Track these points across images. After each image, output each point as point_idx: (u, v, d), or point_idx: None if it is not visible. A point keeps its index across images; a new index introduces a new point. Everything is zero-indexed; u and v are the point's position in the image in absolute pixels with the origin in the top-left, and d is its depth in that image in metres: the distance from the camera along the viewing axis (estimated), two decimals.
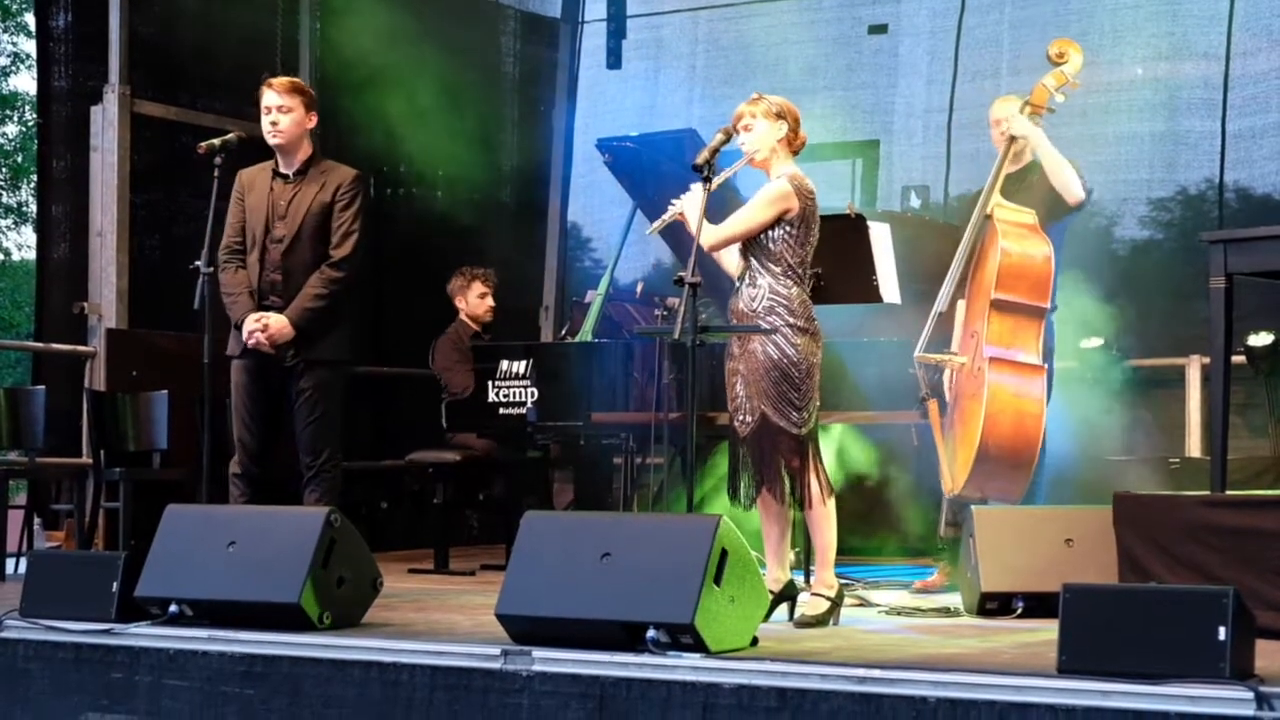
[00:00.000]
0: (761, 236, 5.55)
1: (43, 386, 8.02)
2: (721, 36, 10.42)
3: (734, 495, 5.64)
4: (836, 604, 5.58)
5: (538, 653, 4.52)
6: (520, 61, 10.66)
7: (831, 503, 5.60)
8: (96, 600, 5.31)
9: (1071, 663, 4.02)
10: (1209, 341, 5.59)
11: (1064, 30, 8.77)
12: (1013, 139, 6.61)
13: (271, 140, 6.32)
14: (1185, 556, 5.08)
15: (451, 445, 7.95)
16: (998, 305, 6.32)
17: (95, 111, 8.35)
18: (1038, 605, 5.50)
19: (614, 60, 10.58)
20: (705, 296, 6.03)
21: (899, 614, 5.85)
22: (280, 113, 6.28)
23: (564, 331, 8.33)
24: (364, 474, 8.98)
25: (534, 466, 8.54)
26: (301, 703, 4.80)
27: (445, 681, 4.60)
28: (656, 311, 7.43)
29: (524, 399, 7.22)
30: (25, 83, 23.96)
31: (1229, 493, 5.34)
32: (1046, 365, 6.37)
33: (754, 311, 5.54)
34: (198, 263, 6.04)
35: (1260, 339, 7.84)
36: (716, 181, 5.46)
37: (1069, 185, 6.52)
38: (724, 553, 4.58)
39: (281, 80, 6.38)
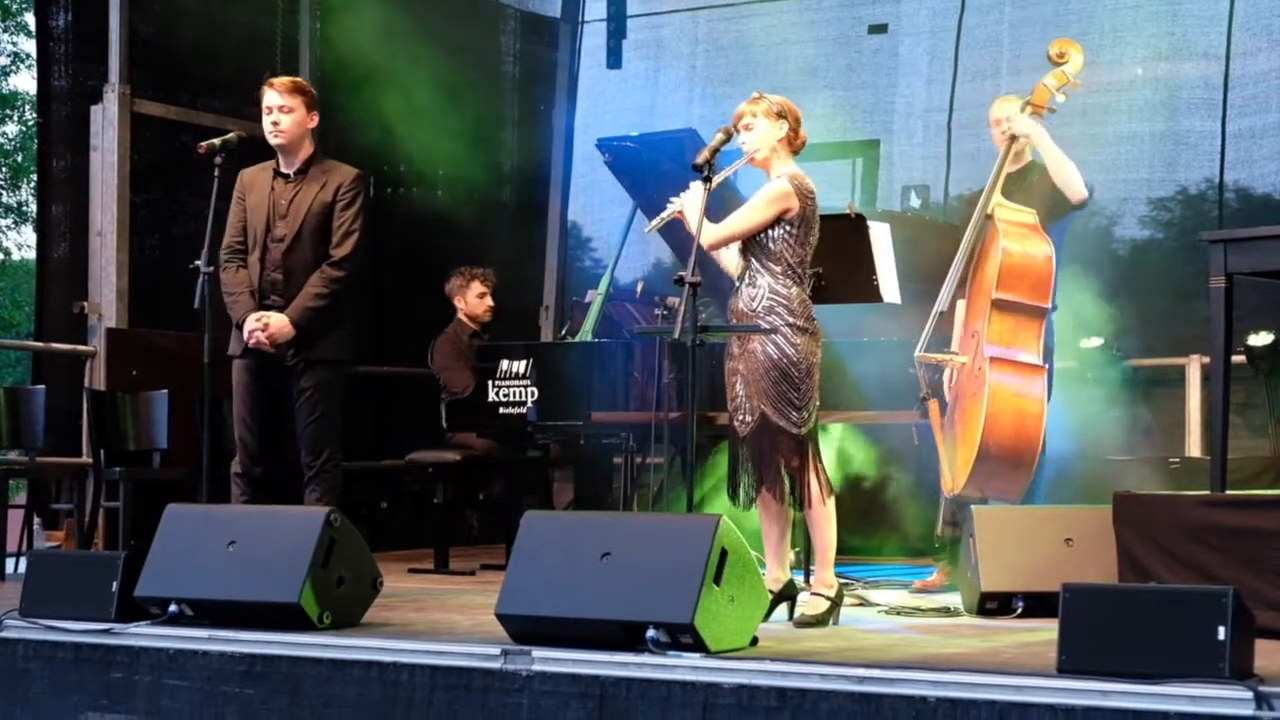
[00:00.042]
0: (761, 236, 5.56)
1: (43, 386, 8.02)
2: (721, 36, 10.42)
3: (734, 495, 5.64)
4: (836, 604, 5.59)
5: (538, 652, 4.51)
6: (520, 61, 10.66)
7: (831, 502, 5.60)
8: (96, 600, 5.31)
9: (1071, 662, 4.02)
10: (1209, 341, 5.59)
11: (1064, 30, 8.77)
12: (1013, 138, 6.61)
13: (273, 140, 6.32)
14: (1185, 556, 5.08)
15: (451, 445, 7.95)
16: (999, 305, 6.32)
17: (95, 111, 8.35)
18: (1038, 605, 5.51)
19: (614, 60, 10.58)
20: (705, 296, 6.03)
21: (899, 614, 5.85)
22: (282, 113, 6.28)
23: (564, 331, 8.33)
24: (364, 474, 8.98)
25: (534, 466, 8.54)
26: (301, 702, 4.80)
27: (445, 681, 4.60)
28: (656, 311, 7.43)
29: (524, 398, 7.22)
30: (25, 82, 23.98)
31: (1229, 492, 5.34)
32: (1047, 365, 6.38)
33: (754, 311, 5.54)
34: (198, 262, 6.04)
35: (1260, 339, 7.84)
36: (717, 180, 5.46)
37: (1071, 183, 6.52)
38: (724, 552, 4.58)
39: (283, 80, 6.38)
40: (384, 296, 9.47)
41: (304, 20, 9.37)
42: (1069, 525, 5.78)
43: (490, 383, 7.31)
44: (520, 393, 7.23)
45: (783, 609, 5.58)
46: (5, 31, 24.31)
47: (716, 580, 4.53)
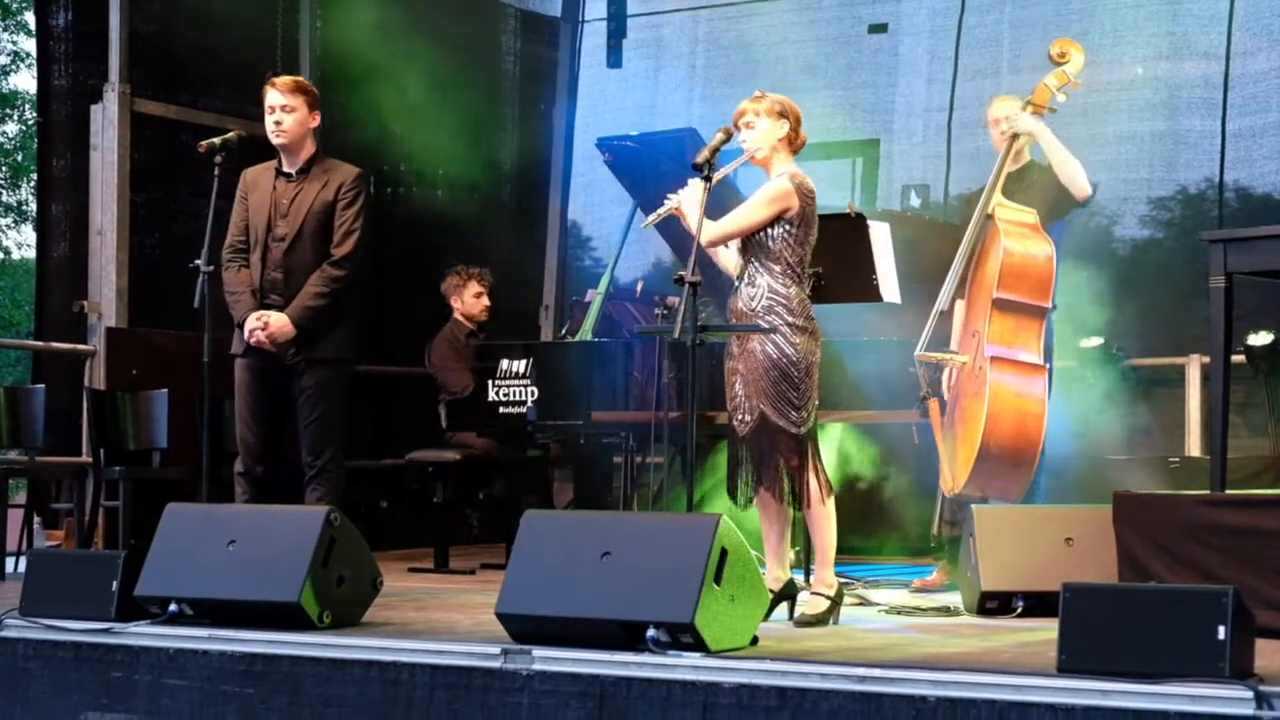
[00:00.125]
0: (761, 235, 5.56)
1: (42, 385, 8.02)
2: (722, 36, 10.42)
3: (733, 494, 5.64)
4: (836, 603, 5.59)
5: (538, 652, 4.51)
6: (520, 60, 10.65)
7: (831, 502, 5.60)
8: (96, 599, 5.31)
9: (1071, 662, 4.02)
10: (1209, 341, 5.59)
11: (1064, 30, 8.77)
12: (1014, 138, 6.61)
13: (275, 140, 6.32)
14: (1185, 556, 5.08)
15: (451, 444, 7.95)
16: (999, 305, 6.32)
17: (95, 110, 8.35)
18: (1038, 604, 5.51)
19: (614, 59, 10.58)
20: (705, 295, 6.03)
21: (899, 613, 5.85)
22: (284, 112, 6.29)
23: (564, 330, 8.34)
24: (364, 473, 8.98)
25: (534, 465, 8.54)
26: (301, 702, 4.80)
27: (445, 680, 4.60)
28: (656, 310, 7.42)
29: (524, 398, 7.22)
30: (25, 81, 23.99)
31: (1229, 492, 5.35)
32: (1047, 365, 6.37)
33: (753, 311, 5.54)
34: (198, 261, 6.04)
35: (1260, 338, 7.84)
36: (717, 177, 5.46)
37: (1075, 180, 6.52)
38: (724, 552, 4.58)
39: (285, 80, 6.38)
40: (384, 295, 9.46)
41: (304, 19, 9.37)
42: (1069, 525, 5.78)
43: (490, 382, 7.31)
44: (520, 392, 7.23)
45: (783, 608, 5.58)
46: (5, 30, 24.31)
47: (717, 580, 4.53)
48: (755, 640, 4.71)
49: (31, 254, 20.27)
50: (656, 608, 4.49)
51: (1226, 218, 8.83)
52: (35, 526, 8.21)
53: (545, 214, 10.65)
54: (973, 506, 5.98)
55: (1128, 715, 3.79)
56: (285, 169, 6.36)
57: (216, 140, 6.24)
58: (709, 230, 5.52)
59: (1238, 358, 7.58)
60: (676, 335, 5.19)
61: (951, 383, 6.57)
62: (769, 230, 5.55)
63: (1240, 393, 7.91)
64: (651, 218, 5.78)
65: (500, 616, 4.73)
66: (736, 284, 5.65)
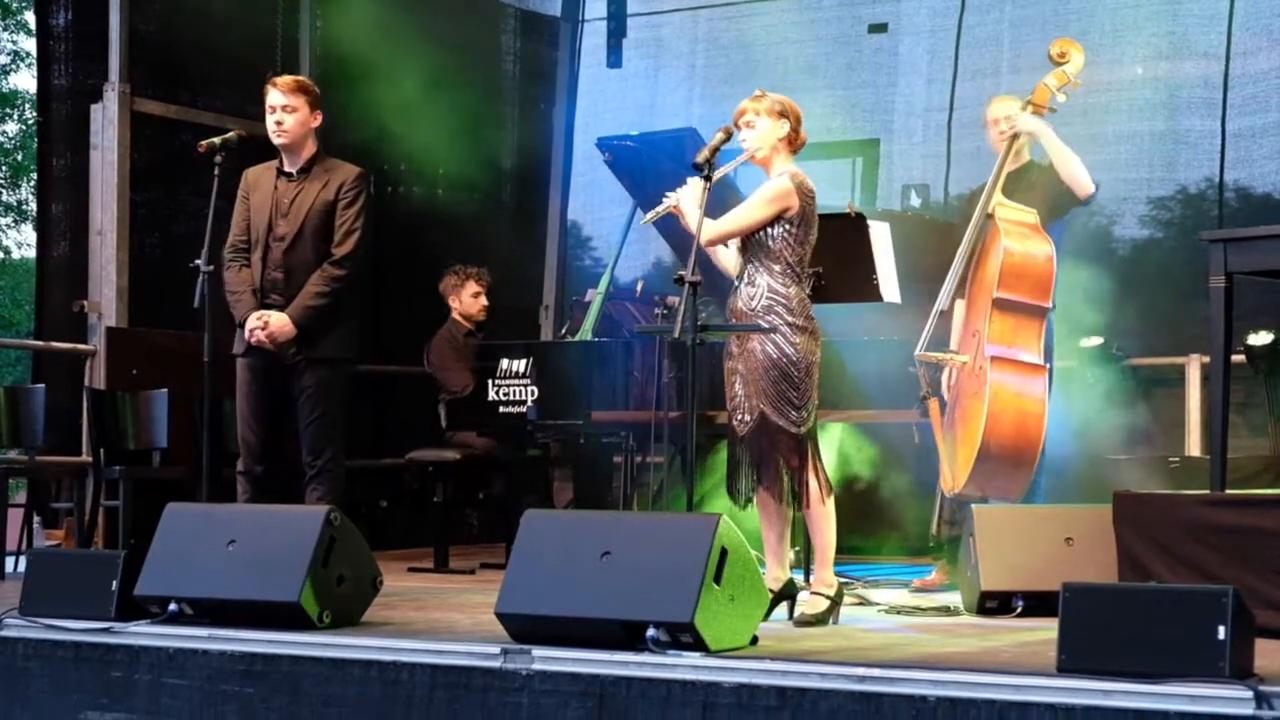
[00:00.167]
0: (761, 235, 5.55)
1: (42, 385, 8.02)
2: (721, 35, 10.42)
3: (732, 494, 5.64)
4: (836, 603, 5.59)
5: (537, 651, 4.51)
6: (520, 60, 10.65)
7: (830, 502, 5.60)
8: (96, 599, 5.31)
9: (1071, 662, 4.02)
10: (1209, 340, 5.59)
11: (1064, 29, 8.77)
12: (1014, 137, 6.61)
13: (276, 140, 6.32)
14: (1185, 555, 5.08)
15: (451, 444, 7.95)
16: (1000, 304, 6.32)
17: (95, 110, 8.35)
18: (1037, 604, 5.51)
19: (614, 59, 10.58)
20: (705, 295, 6.03)
21: (899, 613, 5.85)
22: (285, 112, 6.29)
23: (564, 330, 8.33)
24: (364, 472, 8.98)
25: (534, 465, 8.54)
26: (301, 701, 4.80)
27: (445, 680, 4.60)
28: (656, 310, 7.42)
29: (524, 397, 7.22)
30: (25, 81, 23.99)
31: (1229, 492, 5.35)
32: (1047, 365, 6.37)
33: (753, 310, 5.54)
34: (198, 261, 6.04)
35: (1260, 338, 7.84)
36: (717, 175, 5.45)
37: (1077, 177, 6.52)
38: (724, 552, 4.58)
39: (286, 79, 6.38)
40: (384, 295, 9.46)
41: (304, 19, 9.37)
42: (1069, 524, 5.78)
43: (490, 382, 7.31)
44: (520, 392, 7.23)
45: (783, 608, 5.58)
46: (5, 30, 24.32)
47: (717, 579, 4.53)
48: (755, 640, 4.70)
49: (31, 253, 20.27)
50: (656, 607, 4.49)
51: (1226, 217, 8.83)
52: (35, 526, 8.21)
53: (545, 214, 10.65)
54: (973, 506, 5.98)
55: (1128, 715, 3.79)
56: (286, 169, 6.36)
57: (216, 140, 6.24)
58: (709, 229, 5.52)
59: (1238, 357, 7.57)
60: (676, 335, 5.19)
61: (951, 382, 6.57)
62: (769, 230, 5.55)
63: (1240, 392, 7.91)
64: (649, 215, 5.78)
65: (500, 616, 4.73)
66: (736, 284, 5.65)
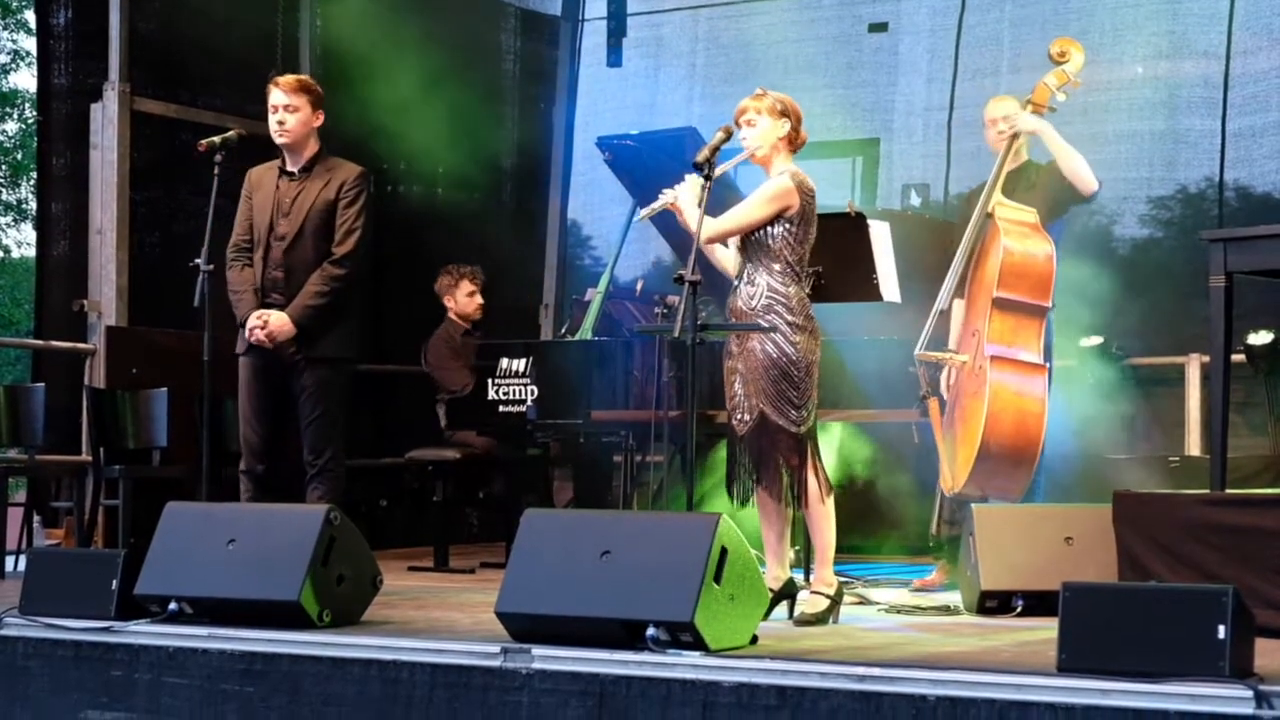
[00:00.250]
0: (761, 234, 5.55)
1: (42, 384, 8.02)
2: (722, 35, 10.41)
3: (732, 493, 5.64)
4: (836, 602, 5.59)
5: (537, 650, 4.51)
6: (520, 59, 10.65)
7: (830, 501, 5.60)
8: (96, 598, 5.31)
9: (1071, 661, 4.02)
10: (1209, 340, 5.59)
11: (1064, 29, 8.76)
12: (1014, 137, 6.61)
13: (278, 139, 6.31)
14: (1185, 555, 5.08)
15: (451, 443, 7.95)
16: (999, 304, 6.32)
17: (95, 109, 8.35)
18: (1037, 604, 5.51)
19: (614, 58, 10.58)
20: (705, 294, 6.03)
21: (898, 612, 5.85)
22: (287, 112, 6.28)
23: (564, 329, 8.33)
24: (364, 471, 8.98)
25: (534, 464, 8.54)
26: (301, 701, 4.80)
27: (445, 679, 4.60)
28: (656, 309, 7.42)
29: (524, 397, 7.22)
30: (25, 80, 23.99)
31: (1229, 491, 5.35)
32: (1047, 364, 6.37)
33: (752, 310, 5.53)
34: (198, 260, 6.03)
35: (1260, 337, 7.84)
36: (717, 173, 5.44)
37: (1080, 174, 6.52)
38: (724, 551, 4.58)
39: (288, 79, 6.37)
40: (384, 294, 9.46)
41: (304, 18, 9.37)
42: (1069, 524, 5.78)
43: (490, 381, 7.31)
44: (520, 391, 7.23)
45: (782, 607, 5.58)
46: (5, 29, 24.32)
47: (716, 579, 4.53)
48: (755, 639, 4.70)
49: (31, 252, 20.27)
50: (656, 607, 4.49)
51: (1226, 217, 8.83)
52: (35, 525, 8.22)
53: (545, 213, 10.65)
54: (972, 506, 5.98)
55: (1128, 715, 3.79)
56: (288, 168, 6.37)
57: (216, 139, 6.24)
58: (709, 227, 5.51)
59: (1238, 357, 7.57)
60: (676, 334, 5.18)
61: (951, 382, 6.57)
62: (769, 229, 5.54)
63: (1240, 392, 7.91)
64: (646, 211, 5.78)
65: (500, 615, 4.73)
66: (736, 283, 5.64)
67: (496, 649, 4.57)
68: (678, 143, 7.22)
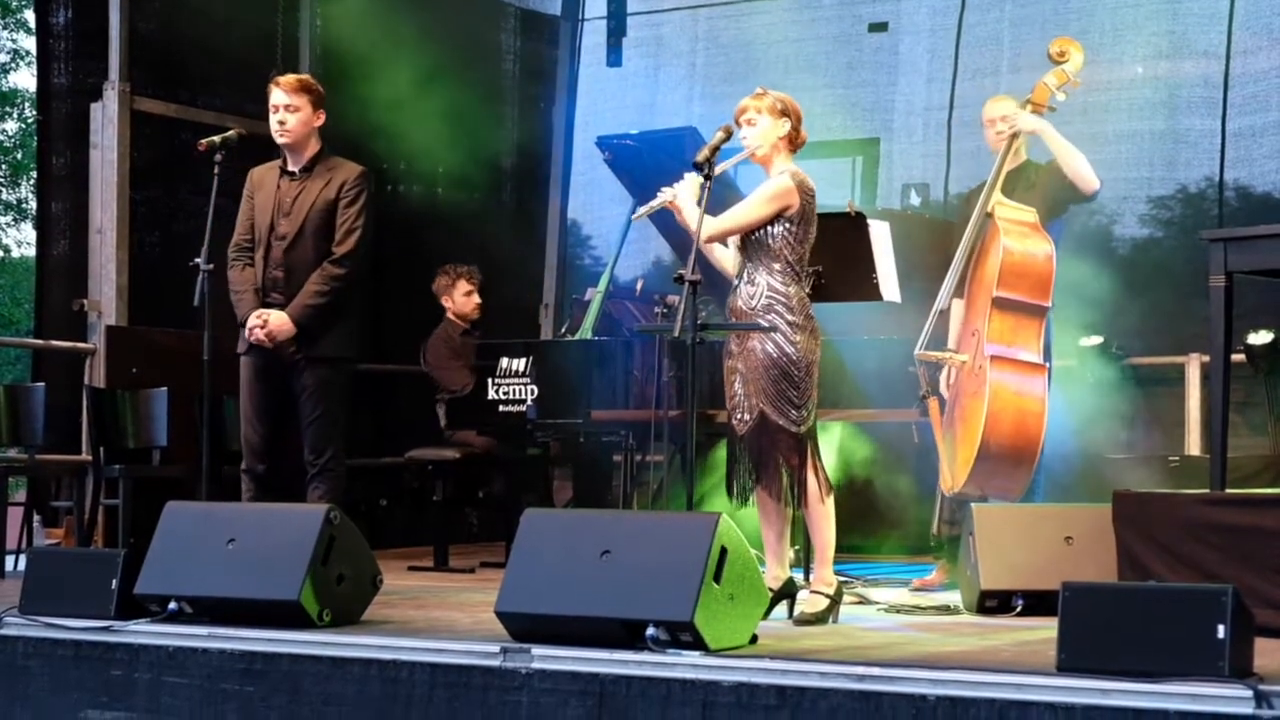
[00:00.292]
0: (761, 233, 5.55)
1: (42, 383, 8.02)
2: (721, 34, 10.42)
3: (731, 493, 5.64)
4: (836, 602, 5.59)
5: (537, 650, 4.51)
6: (520, 59, 10.65)
7: (830, 501, 5.60)
8: (96, 597, 5.31)
9: (1071, 661, 4.02)
10: (1209, 340, 5.59)
11: (1064, 28, 8.76)
12: (1014, 136, 6.61)
13: (279, 139, 6.31)
14: (1185, 555, 5.08)
15: (451, 443, 7.95)
16: (999, 303, 6.32)
17: (95, 108, 8.35)
18: (1037, 603, 5.51)
19: (614, 58, 10.58)
20: (705, 294, 6.03)
21: (898, 612, 5.85)
22: (288, 112, 6.28)
23: (564, 329, 8.33)
24: (364, 471, 8.98)
25: (534, 464, 8.54)
26: (301, 700, 4.80)
27: (445, 679, 4.60)
28: (656, 309, 7.42)
29: (524, 396, 7.22)
30: (25, 79, 23.99)
31: (1228, 491, 5.34)
32: (1047, 364, 6.37)
33: (752, 309, 5.53)
34: (198, 259, 6.04)
35: (1260, 337, 7.84)
36: (716, 171, 5.44)
37: (1082, 172, 6.52)
38: (724, 551, 4.58)
39: (289, 79, 6.37)
40: (384, 294, 9.46)
41: (304, 17, 9.37)
42: (1069, 523, 5.78)
43: (490, 380, 7.31)
44: (520, 390, 7.23)
45: (782, 607, 5.58)
46: (5, 28, 24.32)
47: (716, 578, 4.53)
48: (755, 639, 4.70)
49: (31, 252, 20.27)
50: (656, 606, 4.49)
51: (1226, 217, 8.83)
52: (35, 524, 8.22)
53: (545, 212, 10.65)
54: (972, 505, 5.98)
55: (1127, 714, 3.79)
56: (289, 168, 6.37)
57: (216, 138, 6.24)
58: (709, 226, 5.51)
59: (1237, 357, 7.57)
60: (676, 334, 5.18)
61: (951, 381, 6.57)
62: (769, 228, 5.54)
63: (1240, 392, 7.91)
64: (643, 209, 5.77)
65: (500, 615, 4.73)
66: (736, 282, 5.64)
67: (496, 649, 4.57)
68: (678, 142, 7.22)
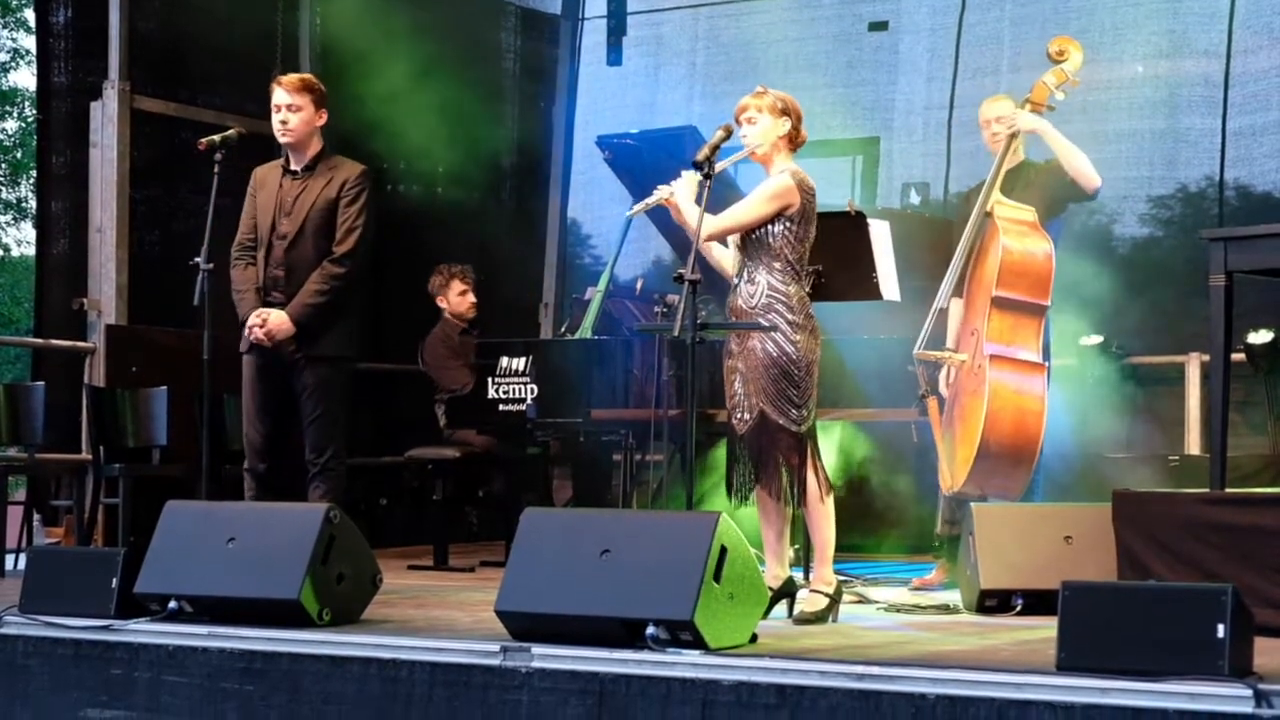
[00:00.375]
0: (761, 232, 5.55)
1: (42, 382, 8.02)
2: (722, 33, 10.42)
3: (731, 492, 5.64)
4: (835, 601, 5.59)
5: (537, 649, 4.51)
6: (520, 58, 10.65)
7: (830, 500, 5.60)
8: (96, 596, 5.31)
9: (1070, 660, 4.02)
10: (1209, 339, 5.59)
11: (1064, 27, 8.77)
12: (1013, 136, 6.61)
13: (281, 139, 6.32)
14: (1184, 554, 5.08)
15: (451, 442, 7.95)
16: (999, 303, 6.32)
17: (95, 107, 8.35)
18: (1037, 602, 5.51)
19: (614, 57, 10.58)
20: (705, 293, 6.03)
21: (898, 611, 5.85)
22: (290, 111, 6.28)
23: (564, 328, 8.33)
24: (364, 470, 8.98)
25: (533, 463, 8.54)
26: (301, 699, 4.80)
27: (445, 678, 4.60)
28: (656, 308, 7.42)
29: (524, 395, 7.22)
30: (25, 78, 23.99)
31: (1228, 490, 5.34)
32: (1046, 363, 6.37)
33: (752, 309, 5.53)
34: (197, 258, 6.04)
35: (1260, 337, 7.84)
36: (716, 170, 5.44)
37: (1083, 170, 6.52)
38: (723, 550, 4.58)
39: (291, 78, 6.38)
40: (384, 293, 9.46)
41: (303, 16, 9.37)
42: (1068, 523, 5.78)
43: (490, 379, 7.31)
44: (520, 389, 7.23)
45: (782, 606, 5.58)
46: (5, 27, 24.31)
47: (716, 577, 4.53)
48: (754, 638, 4.70)
49: (31, 251, 20.25)
50: (656, 605, 4.49)
51: (1227, 216, 8.83)
52: (35, 524, 8.22)
53: (545, 212, 10.65)
54: (972, 505, 5.98)
55: (1127, 713, 3.79)
56: (291, 167, 6.37)
57: (216, 137, 6.24)
58: (708, 224, 5.50)
59: (1237, 356, 7.58)
60: (676, 333, 5.18)
61: (950, 381, 6.57)
62: (769, 227, 5.54)
63: (1240, 391, 7.91)
64: (639, 206, 5.77)
65: (500, 614, 4.73)
66: (736, 282, 5.64)
67: (496, 648, 4.57)
68: (678, 141, 7.22)
